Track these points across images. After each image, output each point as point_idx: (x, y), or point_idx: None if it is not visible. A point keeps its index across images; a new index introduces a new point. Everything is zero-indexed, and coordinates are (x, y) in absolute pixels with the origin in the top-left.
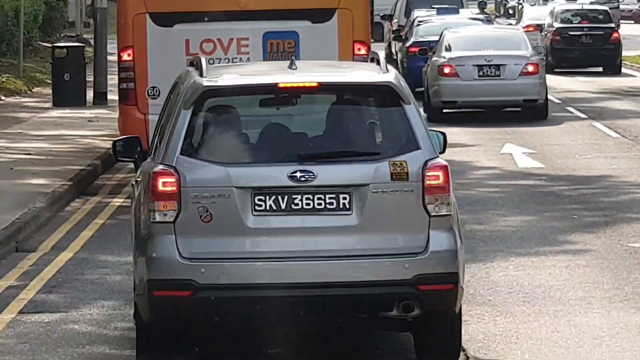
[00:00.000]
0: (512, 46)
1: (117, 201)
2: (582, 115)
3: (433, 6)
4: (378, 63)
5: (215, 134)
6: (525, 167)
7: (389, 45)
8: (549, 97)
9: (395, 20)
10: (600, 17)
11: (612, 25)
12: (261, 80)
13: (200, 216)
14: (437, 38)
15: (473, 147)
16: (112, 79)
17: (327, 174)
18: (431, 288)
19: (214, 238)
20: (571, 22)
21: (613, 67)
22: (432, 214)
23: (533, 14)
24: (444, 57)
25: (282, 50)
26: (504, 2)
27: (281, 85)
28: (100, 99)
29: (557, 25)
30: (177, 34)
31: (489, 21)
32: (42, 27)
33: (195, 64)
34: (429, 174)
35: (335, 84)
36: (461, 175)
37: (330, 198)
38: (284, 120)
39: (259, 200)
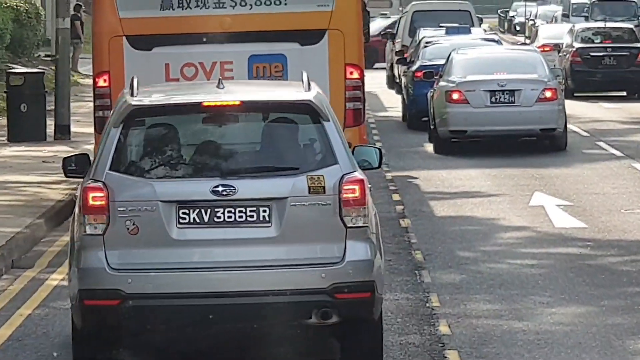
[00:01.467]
0: (528, 69)
1: (56, 278)
2: (617, 153)
3: (441, 24)
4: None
5: (143, 151)
6: (563, 228)
7: (391, 67)
8: (573, 127)
9: (398, 40)
10: (625, 36)
11: (639, 45)
12: (186, 99)
13: (128, 229)
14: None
15: (496, 197)
16: (82, 107)
17: (248, 188)
18: (348, 296)
19: (141, 249)
20: (593, 42)
21: (639, 91)
22: (348, 226)
23: (549, 33)
24: (452, 82)
25: (269, 74)
26: (509, 17)
27: (205, 104)
28: (62, 133)
29: (577, 45)
30: (157, 58)
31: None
32: (11, 47)
33: (131, 84)
34: (346, 187)
35: (258, 103)
36: (487, 239)
37: (250, 211)
38: (208, 137)
39: (183, 213)
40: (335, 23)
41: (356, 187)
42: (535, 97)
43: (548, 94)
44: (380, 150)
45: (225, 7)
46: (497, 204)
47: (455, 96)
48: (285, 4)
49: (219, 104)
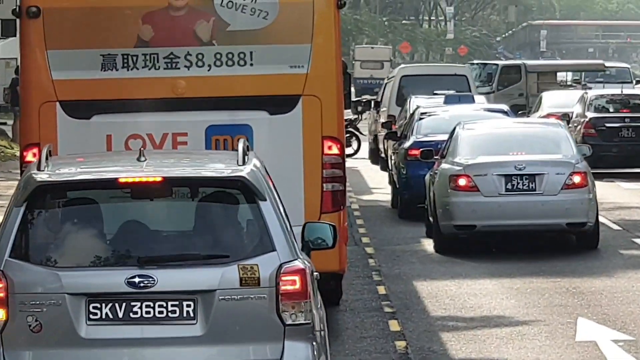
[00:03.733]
0: (551, 148)
1: None
2: None
3: (436, 92)
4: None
5: (49, 235)
6: None
7: (375, 140)
8: (599, 217)
9: (384, 109)
10: None
11: None
12: (100, 175)
13: (30, 326)
14: (445, 137)
15: (529, 326)
16: (13, 188)
17: (169, 279)
18: None
19: (44, 350)
20: (608, 111)
21: None
22: (287, 323)
23: (555, 101)
24: (458, 164)
25: (231, 148)
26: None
27: (122, 180)
28: None
29: (590, 114)
30: (96, 129)
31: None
32: None
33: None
34: (284, 278)
35: (183, 179)
36: None
37: (172, 306)
38: (125, 219)
39: (94, 308)
40: (311, 88)
41: (296, 278)
42: (561, 184)
43: (577, 179)
44: (334, 227)
45: (179, 68)
46: (532, 339)
47: (461, 182)
48: (251, 65)
49: (137, 180)
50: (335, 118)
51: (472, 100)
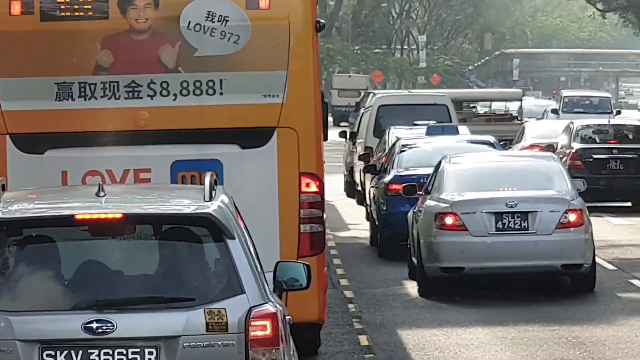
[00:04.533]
0: (544, 183)
1: None
2: None
3: (416, 122)
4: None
5: (0, 276)
6: None
7: (351, 172)
8: None
9: (360, 140)
10: (631, 134)
11: None
12: (56, 211)
13: None
14: (428, 171)
15: None
16: None
17: (129, 324)
18: None
19: None
20: (595, 142)
21: None
22: None
23: (538, 131)
24: (444, 201)
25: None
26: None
27: (79, 217)
28: None
29: (576, 145)
30: (51, 164)
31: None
32: None
33: None
34: (254, 323)
35: (145, 215)
36: None
37: (133, 353)
38: (83, 259)
39: (48, 355)
40: (287, 119)
41: (267, 323)
42: (555, 222)
43: (572, 217)
44: (308, 266)
45: (142, 98)
46: None
47: (448, 220)
48: (221, 94)
49: (95, 217)
50: (313, 152)
51: (457, 131)
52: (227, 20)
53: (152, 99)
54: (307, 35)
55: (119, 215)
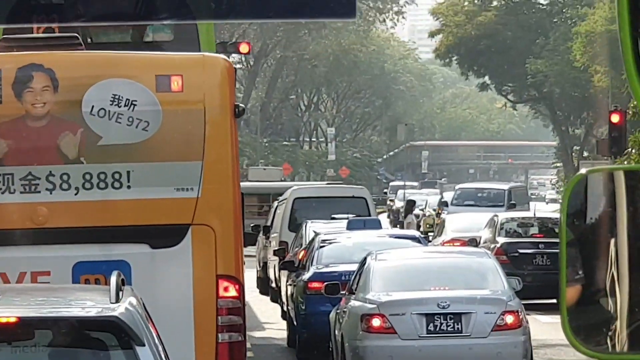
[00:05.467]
0: (479, 282)
1: None
2: None
3: (334, 216)
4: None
5: None
6: None
7: (264, 268)
8: None
9: (274, 235)
10: (557, 228)
11: None
12: None
13: None
14: (350, 267)
15: None
16: None
17: None
18: None
19: None
20: (520, 236)
21: None
22: None
23: (459, 224)
24: (370, 301)
25: None
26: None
27: None
28: None
29: (501, 240)
30: None
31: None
32: None
33: None
34: None
35: (43, 319)
36: None
37: None
38: None
39: None
40: (203, 216)
41: None
42: (491, 325)
43: (509, 319)
44: None
45: (40, 192)
46: None
47: (375, 322)
48: (129, 187)
49: None
50: (232, 253)
51: (379, 225)
52: (135, 105)
53: (51, 193)
54: (225, 121)
55: (12, 319)
